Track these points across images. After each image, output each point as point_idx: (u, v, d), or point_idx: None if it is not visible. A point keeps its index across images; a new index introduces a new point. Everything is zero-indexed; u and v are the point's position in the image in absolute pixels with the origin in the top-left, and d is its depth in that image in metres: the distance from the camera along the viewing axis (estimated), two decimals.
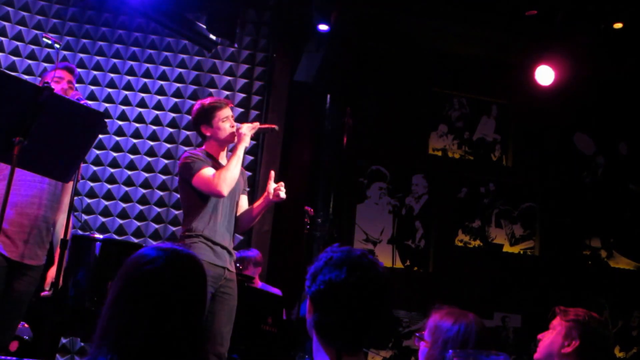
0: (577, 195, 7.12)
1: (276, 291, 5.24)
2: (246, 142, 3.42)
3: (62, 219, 3.48)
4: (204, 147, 3.55)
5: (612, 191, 7.21)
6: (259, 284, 5.27)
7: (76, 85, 5.68)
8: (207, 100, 3.56)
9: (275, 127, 3.62)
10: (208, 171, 3.31)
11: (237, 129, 3.46)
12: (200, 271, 1.54)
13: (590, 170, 7.30)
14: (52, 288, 3.36)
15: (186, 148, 5.93)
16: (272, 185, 3.47)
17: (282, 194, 3.44)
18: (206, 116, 3.46)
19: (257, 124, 3.50)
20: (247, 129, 3.44)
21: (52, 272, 3.40)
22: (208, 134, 3.49)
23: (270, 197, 3.45)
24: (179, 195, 5.76)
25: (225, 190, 3.28)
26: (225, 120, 3.46)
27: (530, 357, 2.51)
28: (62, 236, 3.42)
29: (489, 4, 5.92)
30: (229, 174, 3.29)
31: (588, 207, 7.11)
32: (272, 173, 3.54)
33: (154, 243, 2.21)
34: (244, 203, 3.60)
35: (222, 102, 3.54)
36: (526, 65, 6.31)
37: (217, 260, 3.32)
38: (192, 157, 3.38)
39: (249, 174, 5.98)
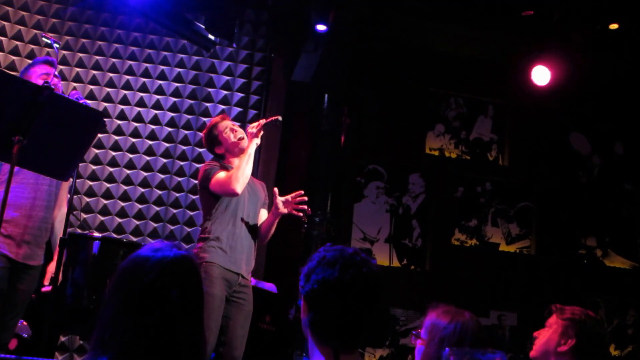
0: (573, 195, 7.15)
1: (270, 286, 5.27)
2: (255, 141, 3.51)
3: (59, 216, 3.51)
4: (222, 161, 3.67)
5: (608, 191, 7.25)
6: (252, 281, 5.29)
7: (74, 84, 5.72)
8: (207, 126, 3.73)
9: (279, 117, 3.67)
10: (222, 174, 3.43)
11: (247, 130, 3.56)
12: (195, 271, 1.54)
13: (586, 169, 7.34)
14: (51, 283, 3.40)
15: (184, 147, 5.95)
16: (279, 200, 3.54)
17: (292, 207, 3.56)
18: (211, 137, 3.62)
19: (261, 121, 3.58)
20: (254, 128, 3.53)
21: (51, 267, 3.43)
22: (221, 151, 3.63)
23: (280, 210, 3.54)
24: (177, 195, 5.84)
25: (238, 188, 3.36)
26: (227, 131, 3.59)
27: (526, 355, 2.54)
28: (61, 233, 3.45)
29: (486, 4, 5.95)
30: (240, 172, 3.37)
31: (584, 206, 7.15)
32: (276, 190, 3.62)
33: (150, 242, 2.22)
34: (262, 216, 3.66)
35: (218, 118, 3.71)
36: (522, 65, 6.33)
37: (231, 266, 3.40)
38: (209, 165, 3.53)
39: None
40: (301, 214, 3.60)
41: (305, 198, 3.61)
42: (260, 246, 5.80)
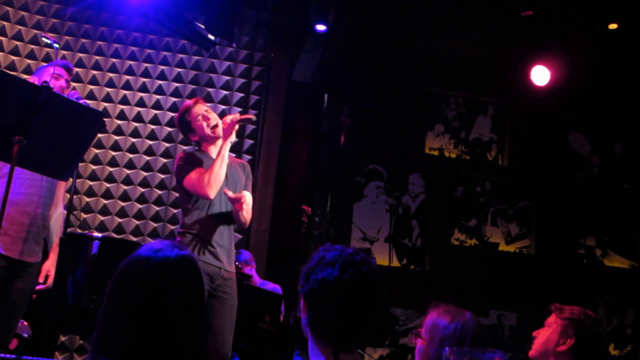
0: (573, 195, 7.16)
1: (275, 286, 5.27)
2: (231, 138, 3.37)
3: (55, 214, 3.49)
4: (198, 147, 3.56)
5: (607, 190, 7.26)
6: (258, 281, 5.29)
7: (74, 84, 5.73)
8: (179, 111, 3.57)
9: (252, 117, 3.56)
10: (195, 174, 3.31)
11: (221, 127, 3.40)
12: (197, 272, 1.53)
13: (585, 169, 7.35)
14: (46, 281, 3.38)
15: (184, 147, 5.94)
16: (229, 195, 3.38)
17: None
18: (184, 124, 3.49)
19: (234, 117, 3.39)
20: (226, 124, 3.36)
21: (46, 265, 3.40)
22: (195, 138, 3.50)
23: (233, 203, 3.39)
24: (177, 194, 5.85)
25: (211, 193, 3.26)
26: (200, 119, 3.44)
27: (525, 354, 2.54)
28: (58, 230, 3.44)
29: (486, 4, 5.95)
30: (213, 177, 3.26)
31: (583, 206, 7.16)
32: (227, 191, 3.39)
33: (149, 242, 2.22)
34: (246, 198, 3.49)
35: (192, 102, 3.54)
36: (522, 65, 6.34)
37: (212, 260, 3.30)
38: (183, 159, 3.38)
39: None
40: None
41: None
42: (260, 246, 5.85)
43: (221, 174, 3.30)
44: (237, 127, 3.39)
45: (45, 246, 3.46)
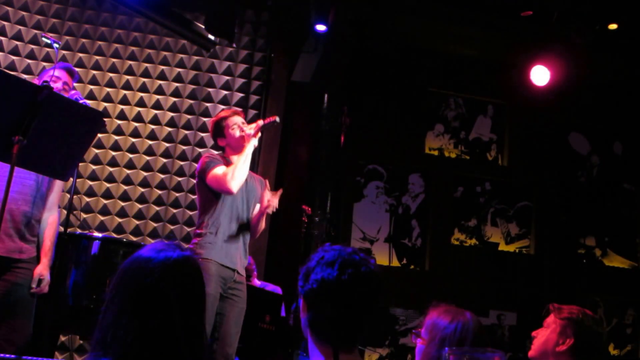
0: (572, 195, 7.17)
1: (275, 288, 5.27)
2: (253, 142, 3.51)
3: (47, 217, 3.46)
4: (222, 154, 3.66)
5: (607, 190, 7.26)
6: (257, 284, 5.30)
7: (74, 84, 5.72)
8: (218, 115, 3.74)
9: (276, 118, 3.65)
10: (220, 169, 3.42)
11: (246, 131, 3.55)
12: (198, 272, 1.54)
13: (585, 169, 7.35)
14: (39, 285, 3.34)
15: (184, 147, 5.95)
16: (266, 195, 3.52)
17: (273, 205, 3.51)
18: (218, 128, 3.62)
19: (259, 122, 3.57)
20: (251, 129, 3.52)
21: (38, 269, 3.36)
22: (223, 144, 3.62)
23: (263, 204, 3.51)
24: (177, 195, 5.85)
25: (234, 187, 3.36)
26: (235, 128, 3.58)
27: (525, 354, 2.54)
28: (50, 233, 3.42)
29: (485, 4, 5.95)
30: (237, 171, 3.38)
31: (583, 206, 7.16)
32: (267, 182, 3.61)
33: (150, 242, 2.22)
34: (257, 211, 3.63)
35: (230, 111, 3.70)
36: (522, 65, 6.35)
37: (227, 262, 3.37)
38: (208, 157, 3.51)
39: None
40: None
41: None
42: (260, 246, 5.85)
43: (244, 170, 3.43)
44: (259, 134, 3.53)
45: (38, 248, 3.41)
